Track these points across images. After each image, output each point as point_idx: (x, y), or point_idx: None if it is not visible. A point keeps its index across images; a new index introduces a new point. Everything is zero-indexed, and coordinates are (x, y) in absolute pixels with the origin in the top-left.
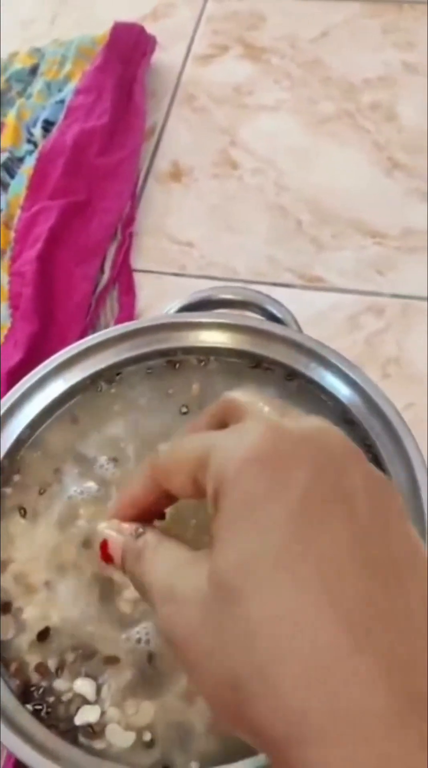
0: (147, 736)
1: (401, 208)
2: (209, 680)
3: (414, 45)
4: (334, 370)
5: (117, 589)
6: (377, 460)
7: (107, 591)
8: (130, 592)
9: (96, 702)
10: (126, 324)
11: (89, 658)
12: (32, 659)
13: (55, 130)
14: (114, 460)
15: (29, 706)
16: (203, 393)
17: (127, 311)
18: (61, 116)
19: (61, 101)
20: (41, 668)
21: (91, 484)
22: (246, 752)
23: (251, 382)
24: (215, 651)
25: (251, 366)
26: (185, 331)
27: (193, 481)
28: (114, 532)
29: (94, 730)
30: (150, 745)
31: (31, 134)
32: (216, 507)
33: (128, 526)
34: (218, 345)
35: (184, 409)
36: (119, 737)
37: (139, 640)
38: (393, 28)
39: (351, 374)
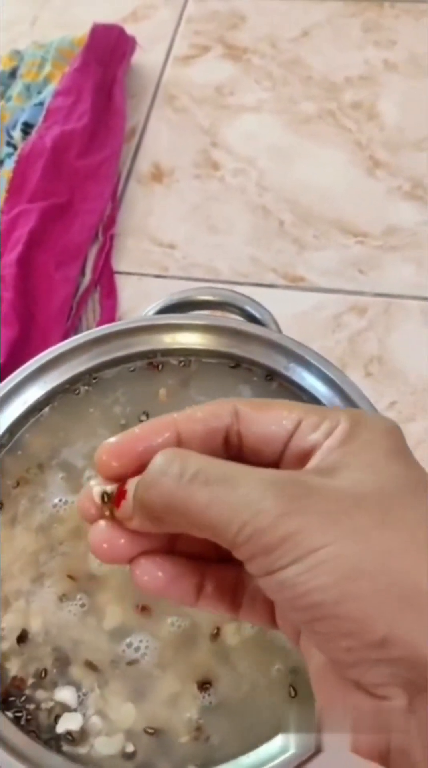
0: (130, 747)
1: (383, 206)
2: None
3: (394, 43)
4: (313, 370)
5: (99, 593)
6: None
7: (89, 597)
8: (112, 595)
9: (77, 709)
10: (103, 327)
11: (70, 665)
12: (12, 666)
13: (34, 133)
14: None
15: (9, 714)
16: (171, 397)
17: (109, 314)
18: (41, 118)
19: (41, 103)
20: (21, 676)
21: (75, 496)
22: (226, 757)
23: (231, 383)
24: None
25: (231, 366)
26: (163, 333)
27: (290, 427)
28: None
29: (75, 738)
30: (132, 753)
31: (10, 137)
32: (348, 440)
33: None
34: (198, 346)
35: (143, 417)
36: (102, 744)
37: (130, 646)
38: (373, 26)
39: (330, 374)
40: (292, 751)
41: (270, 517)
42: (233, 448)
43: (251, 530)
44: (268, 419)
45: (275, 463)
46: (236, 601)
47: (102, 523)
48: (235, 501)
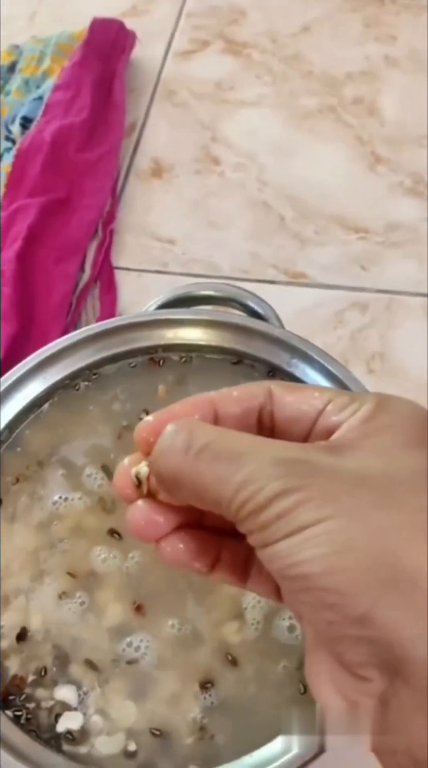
0: (132, 746)
1: (384, 202)
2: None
3: (395, 38)
4: (315, 366)
5: (99, 591)
6: None
7: (89, 595)
8: (112, 593)
9: (77, 708)
10: (104, 322)
11: (71, 663)
12: (12, 665)
13: (33, 127)
14: (103, 469)
15: (9, 713)
16: (170, 394)
17: (108, 310)
18: (40, 113)
19: (40, 98)
20: (21, 675)
21: (76, 494)
22: (231, 756)
23: (233, 379)
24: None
25: (233, 362)
26: (165, 328)
27: (320, 406)
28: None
29: (75, 737)
30: (133, 753)
31: (9, 131)
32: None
33: None
34: (200, 342)
35: (143, 414)
36: (102, 744)
37: (130, 645)
38: (374, 21)
39: (333, 369)
40: (295, 750)
41: (270, 494)
42: (266, 429)
43: (252, 507)
44: (300, 398)
45: (302, 441)
46: (246, 572)
47: (140, 502)
48: (239, 480)
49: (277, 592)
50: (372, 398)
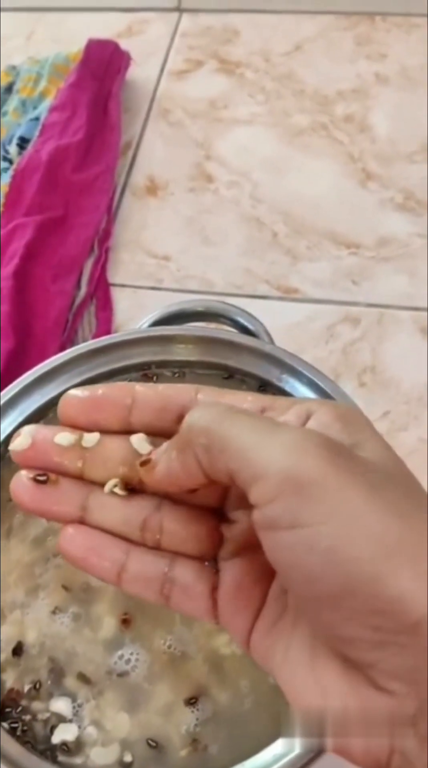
0: (127, 757)
1: (375, 218)
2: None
3: (386, 56)
4: (305, 381)
5: (93, 605)
6: None
7: (83, 608)
8: (106, 607)
9: (72, 720)
10: (99, 339)
11: (65, 676)
12: (8, 678)
13: (30, 147)
14: None
15: (5, 725)
16: None
17: (104, 326)
18: (37, 133)
19: (36, 118)
20: (17, 688)
21: None
22: (221, 766)
23: None
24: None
25: (224, 377)
26: (158, 344)
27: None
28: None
29: (70, 748)
30: (129, 764)
31: (6, 151)
32: (344, 423)
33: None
34: (192, 358)
35: None
36: (97, 755)
37: (122, 657)
38: (365, 40)
39: (322, 384)
40: (297, 751)
41: (316, 461)
42: None
43: (292, 470)
44: (230, 402)
45: None
46: (164, 590)
47: (23, 472)
48: (281, 439)
49: (211, 613)
50: (316, 402)
